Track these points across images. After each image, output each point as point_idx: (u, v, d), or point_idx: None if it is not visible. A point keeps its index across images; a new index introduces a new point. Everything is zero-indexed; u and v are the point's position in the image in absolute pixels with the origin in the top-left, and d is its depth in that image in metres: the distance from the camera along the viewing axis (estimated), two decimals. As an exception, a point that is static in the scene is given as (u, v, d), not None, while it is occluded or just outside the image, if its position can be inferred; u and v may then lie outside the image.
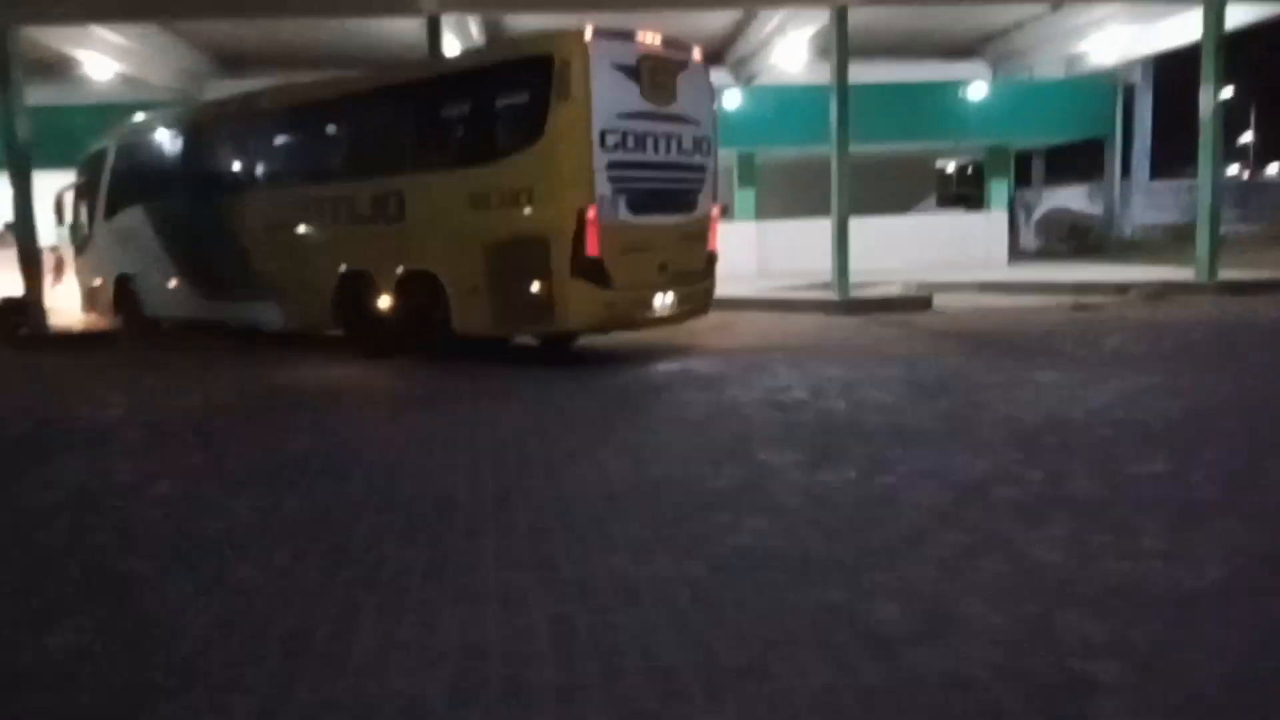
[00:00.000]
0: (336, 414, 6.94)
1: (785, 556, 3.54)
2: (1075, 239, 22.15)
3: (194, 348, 11.20)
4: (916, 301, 12.72)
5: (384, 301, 9.25)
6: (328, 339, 10.54)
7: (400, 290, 9.13)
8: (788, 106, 17.65)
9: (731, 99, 17.52)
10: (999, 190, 19.91)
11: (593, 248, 7.89)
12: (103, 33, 14.24)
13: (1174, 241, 20.58)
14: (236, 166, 11.05)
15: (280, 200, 10.34)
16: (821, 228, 13.81)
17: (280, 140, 10.70)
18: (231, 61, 18.58)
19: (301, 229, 10.10)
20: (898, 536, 3.70)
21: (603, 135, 7.85)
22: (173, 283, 11.63)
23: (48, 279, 13.99)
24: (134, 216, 12.06)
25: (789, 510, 4.09)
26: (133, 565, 3.74)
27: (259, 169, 10.78)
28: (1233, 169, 54.83)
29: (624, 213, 8.09)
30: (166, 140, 11.94)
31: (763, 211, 19.08)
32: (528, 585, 3.36)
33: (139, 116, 13.02)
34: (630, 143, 8.07)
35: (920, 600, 3.10)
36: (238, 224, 10.69)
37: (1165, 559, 3.39)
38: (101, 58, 14.84)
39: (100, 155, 12.70)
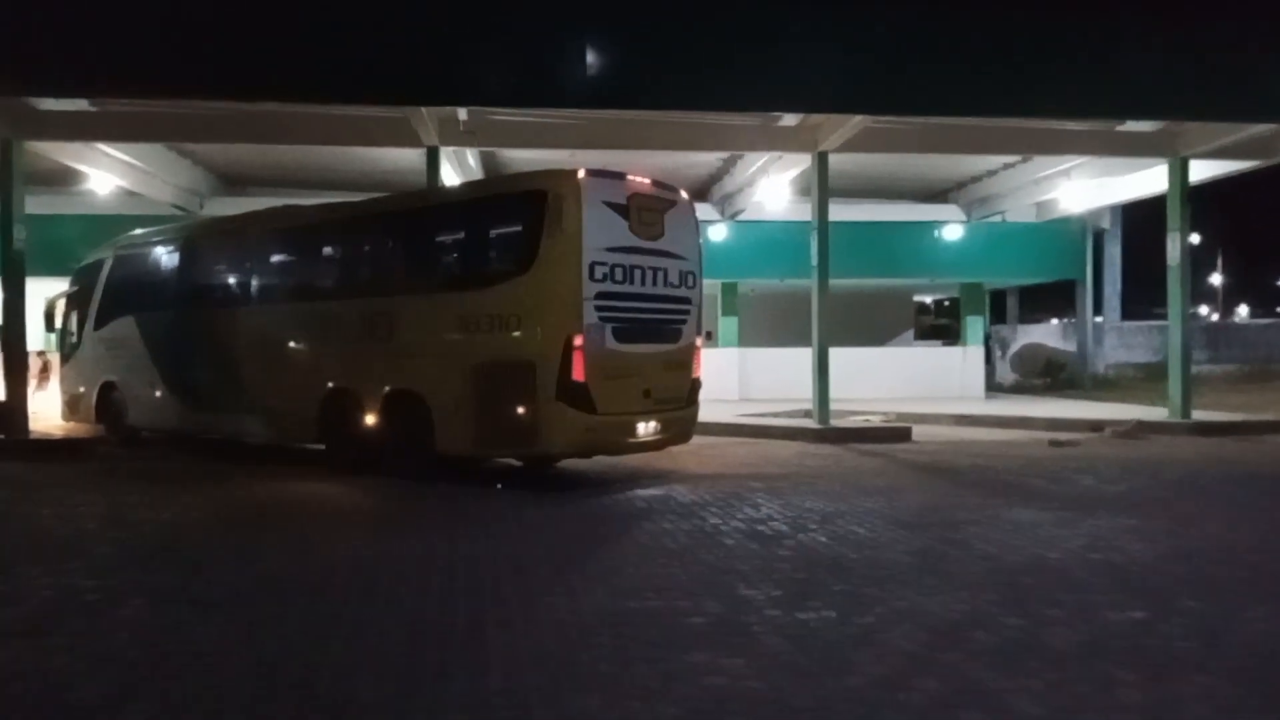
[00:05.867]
0: (312, 534, 6.86)
1: (761, 702, 3.49)
2: (1050, 374, 22.59)
3: (174, 458, 11.12)
4: (895, 432, 12.85)
5: (368, 419, 9.28)
6: (308, 453, 10.49)
7: (385, 408, 9.17)
8: (770, 241, 18.26)
9: (717, 232, 18.11)
10: (974, 325, 20.41)
11: (578, 373, 8.02)
12: (106, 149, 14.68)
13: (1146, 380, 21.04)
14: (230, 283, 11.25)
15: (271, 317, 10.49)
16: (802, 356, 14.07)
17: (274, 259, 10.93)
18: (232, 180, 19.09)
19: (290, 345, 10.22)
20: (876, 683, 3.66)
21: (592, 267, 8.10)
22: (158, 393, 11.63)
23: (32, 383, 13.95)
24: (125, 326, 12.14)
25: (766, 651, 4.05)
26: (85, 696, 3.64)
27: (252, 286, 10.96)
28: (1203, 309, 56.53)
29: (610, 341, 8.27)
30: (162, 255, 12.16)
31: (745, 339, 19.44)
32: (500, 725, 3.29)
33: (136, 231, 13.29)
34: (618, 275, 8.32)
35: (898, 751, 3.05)
36: (228, 338, 10.79)
37: (1145, 715, 3.37)
38: (104, 173, 15.23)
39: (95, 266, 12.89)
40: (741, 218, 18.93)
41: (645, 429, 8.70)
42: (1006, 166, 18.09)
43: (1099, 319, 23.85)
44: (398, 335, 9.15)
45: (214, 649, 4.17)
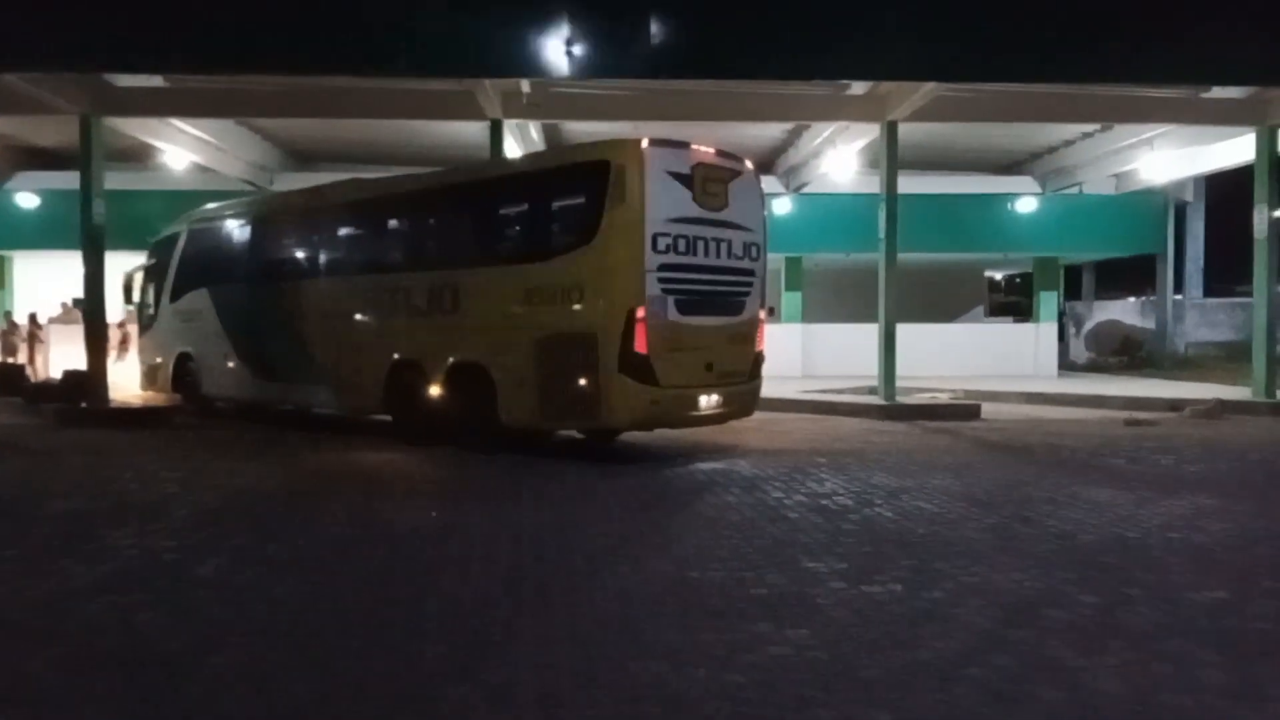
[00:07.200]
0: (380, 502, 6.97)
1: (828, 672, 3.44)
2: (1127, 353, 21.87)
3: (247, 427, 11.42)
4: (964, 410, 12.58)
5: (433, 390, 9.39)
6: (375, 424, 10.68)
7: (449, 380, 9.27)
8: (836, 214, 17.95)
9: (781, 205, 17.86)
10: (1048, 301, 19.85)
11: (640, 345, 7.98)
12: (181, 125, 15.05)
13: (1229, 359, 20.22)
14: (299, 256, 11.46)
15: (339, 289, 10.66)
16: (867, 332, 13.84)
17: (342, 232, 11.10)
18: (301, 156, 19.44)
19: (358, 317, 10.38)
20: (946, 657, 3.59)
21: (655, 238, 8.04)
22: (231, 363, 11.95)
23: (112, 354, 14.43)
24: (199, 299, 12.49)
25: (832, 622, 4.00)
26: (169, 648, 3.76)
27: (320, 259, 11.15)
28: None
29: (673, 313, 8.21)
30: (234, 228, 12.44)
31: (809, 315, 19.20)
32: (565, 690, 3.30)
33: (208, 205, 13.62)
34: (681, 246, 8.24)
35: (969, 726, 2.98)
36: (297, 310, 11.02)
37: (1230, 697, 3.24)
38: (179, 149, 15.63)
39: (171, 240, 13.26)
40: (806, 190, 18.63)
41: (707, 402, 8.65)
42: (1085, 136, 17.46)
43: (1179, 296, 22.97)
44: (461, 307, 9.23)
45: (288, 608, 4.27)
